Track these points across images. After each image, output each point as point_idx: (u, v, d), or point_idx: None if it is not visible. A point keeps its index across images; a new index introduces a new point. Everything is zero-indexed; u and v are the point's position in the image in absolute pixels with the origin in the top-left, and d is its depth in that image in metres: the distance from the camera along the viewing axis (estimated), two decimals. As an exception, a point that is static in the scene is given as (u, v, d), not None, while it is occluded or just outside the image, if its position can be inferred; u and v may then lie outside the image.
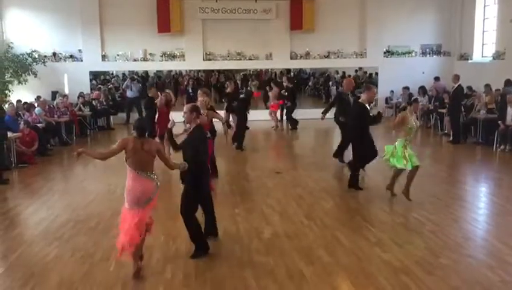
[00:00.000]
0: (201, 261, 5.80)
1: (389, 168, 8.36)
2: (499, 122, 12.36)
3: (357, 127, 8.62)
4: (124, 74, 23.95)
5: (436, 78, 17.23)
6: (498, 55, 16.40)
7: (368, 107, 8.70)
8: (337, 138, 16.07)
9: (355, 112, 8.71)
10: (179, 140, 6.56)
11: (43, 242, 6.54)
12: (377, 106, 17.67)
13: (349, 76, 21.54)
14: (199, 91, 9.64)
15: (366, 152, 8.80)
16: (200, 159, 5.93)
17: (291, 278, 5.34)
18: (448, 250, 6.07)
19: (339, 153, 10.95)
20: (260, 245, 6.31)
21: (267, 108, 17.81)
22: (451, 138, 13.70)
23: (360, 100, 8.74)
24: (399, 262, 5.68)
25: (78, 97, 16.57)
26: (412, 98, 9.41)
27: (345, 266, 5.63)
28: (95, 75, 20.94)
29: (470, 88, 15.62)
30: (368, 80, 20.08)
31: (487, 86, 14.58)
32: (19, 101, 14.22)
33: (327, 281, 5.26)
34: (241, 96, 14.04)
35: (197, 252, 5.93)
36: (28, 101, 14.40)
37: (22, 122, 11.90)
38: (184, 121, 6.36)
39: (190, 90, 19.36)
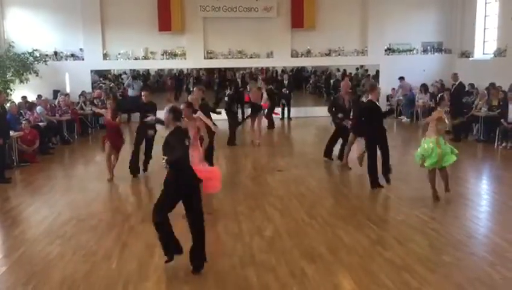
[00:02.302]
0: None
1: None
2: (501, 120, 12.35)
3: (370, 123, 8.66)
4: (120, 73, 24.02)
5: (401, 78, 17.54)
6: (499, 53, 16.35)
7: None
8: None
9: (366, 109, 8.76)
10: None
11: (45, 241, 6.55)
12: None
13: (350, 74, 21.61)
14: (195, 88, 9.78)
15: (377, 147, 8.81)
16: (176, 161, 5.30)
17: (293, 276, 5.34)
18: (450, 248, 6.07)
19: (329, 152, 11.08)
20: (262, 243, 6.32)
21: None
22: (452, 136, 13.68)
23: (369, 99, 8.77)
24: (401, 260, 5.68)
25: (80, 96, 16.59)
26: (439, 96, 9.03)
27: (346, 264, 5.63)
28: (100, 75, 20.98)
29: (472, 85, 15.57)
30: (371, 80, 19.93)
31: (492, 84, 14.54)
32: (24, 97, 14.25)
33: (329, 279, 5.26)
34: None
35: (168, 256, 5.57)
36: (30, 100, 14.41)
37: (24, 121, 11.89)
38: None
39: (191, 88, 19.55)
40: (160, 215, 5.35)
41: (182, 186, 5.32)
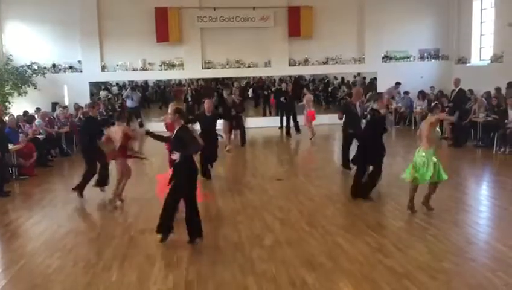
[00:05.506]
0: (203, 268, 5.81)
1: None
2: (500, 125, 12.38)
3: (374, 135, 8.54)
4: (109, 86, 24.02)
5: (406, 93, 17.91)
6: (496, 59, 16.43)
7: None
8: (338, 144, 16.11)
9: (373, 121, 8.54)
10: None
11: (45, 253, 6.54)
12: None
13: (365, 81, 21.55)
14: (205, 101, 10.37)
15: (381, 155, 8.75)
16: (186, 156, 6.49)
17: (293, 285, 5.32)
18: (450, 254, 6.07)
19: (346, 162, 10.68)
20: (262, 252, 6.30)
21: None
22: (451, 142, 13.70)
23: (375, 109, 8.53)
24: (401, 267, 5.67)
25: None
26: (433, 104, 8.73)
27: (347, 272, 5.62)
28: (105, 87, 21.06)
29: (471, 91, 15.57)
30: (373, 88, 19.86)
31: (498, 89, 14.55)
32: (25, 112, 14.28)
33: (329, 288, 5.25)
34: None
35: (164, 235, 6.64)
36: (28, 113, 14.43)
37: (21, 135, 11.88)
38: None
39: (189, 99, 19.79)
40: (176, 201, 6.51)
41: (194, 172, 6.58)
